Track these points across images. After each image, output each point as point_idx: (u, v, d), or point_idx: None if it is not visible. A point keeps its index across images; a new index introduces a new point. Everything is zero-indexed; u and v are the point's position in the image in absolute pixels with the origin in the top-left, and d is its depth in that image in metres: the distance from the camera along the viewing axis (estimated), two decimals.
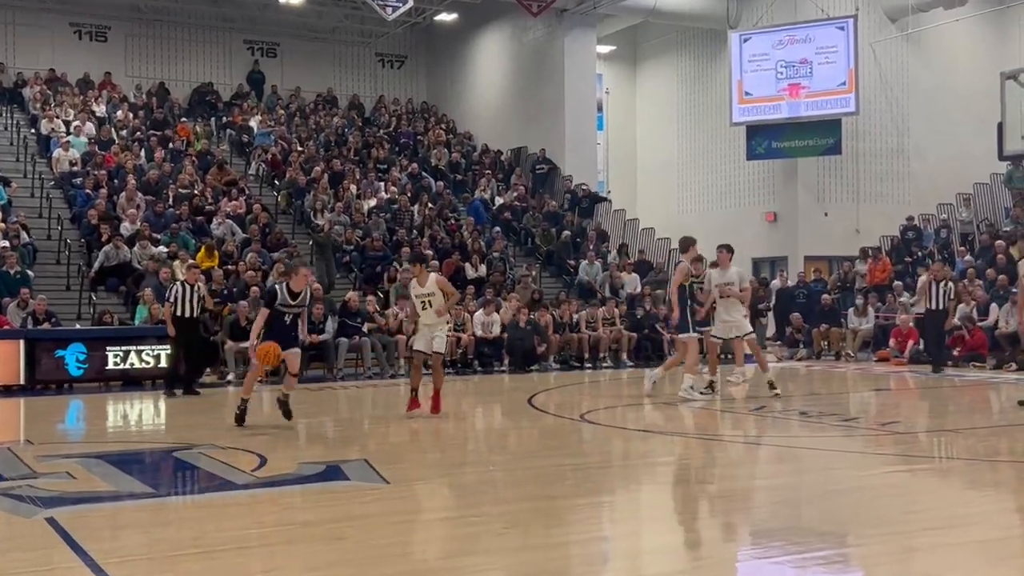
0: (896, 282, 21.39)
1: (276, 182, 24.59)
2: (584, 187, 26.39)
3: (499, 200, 25.83)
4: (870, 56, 25.94)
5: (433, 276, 11.34)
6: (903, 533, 5.83)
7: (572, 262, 23.34)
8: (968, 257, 22.09)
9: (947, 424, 10.61)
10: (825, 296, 21.56)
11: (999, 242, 21.48)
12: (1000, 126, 14.24)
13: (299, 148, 25.90)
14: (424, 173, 25.89)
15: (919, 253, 23.32)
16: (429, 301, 10.99)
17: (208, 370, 16.28)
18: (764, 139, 25.85)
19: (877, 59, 26.19)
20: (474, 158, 28.19)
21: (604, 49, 29.96)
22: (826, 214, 25.82)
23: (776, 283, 22.97)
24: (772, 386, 12.69)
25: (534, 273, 22.20)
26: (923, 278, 18.20)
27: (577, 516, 6.48)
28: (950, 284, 17.28)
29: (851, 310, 20.82)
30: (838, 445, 9.39)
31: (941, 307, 16.99)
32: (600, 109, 29.57)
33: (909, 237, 24.16)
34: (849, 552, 5.49)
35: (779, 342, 22.02)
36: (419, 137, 28.63)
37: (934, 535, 5.68)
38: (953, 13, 25.80)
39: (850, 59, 24.80)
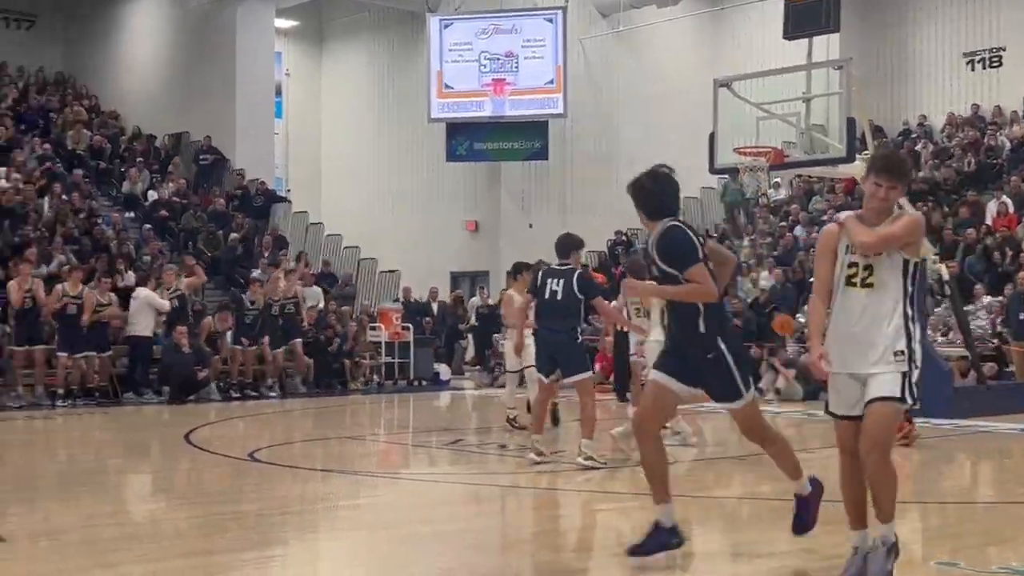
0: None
1: None
2: (259, 184, 25.95)
3: (153, 195, 24.85)
4: (580, 53, 27.31)
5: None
6: None
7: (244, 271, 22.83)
8: None
9: None
10: None
11: None
12: (712, 137, 15.31)
13: None
14: (57, 158, 24.44)
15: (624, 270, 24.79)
16: None
17: None
18: (466, 139, 26.53)
19: (587, 57, 27.61)
20: (122, 143, 26.97)
21: (285, 24, 29.65)
22: (531, 225, 26.83)
23: (476, 300, 23.58)
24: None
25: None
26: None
27: (239, 574, 6.30)
28: None
29: None
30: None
31: None
32: (279, 93, 29.21)
33: (617, 252, 25.59)
34: None
35: (479, 367, 22.58)
36: (52, 114, 27.02)
37: None
38: (666, 12, 27.65)
39: (558, 55, 26.01)
